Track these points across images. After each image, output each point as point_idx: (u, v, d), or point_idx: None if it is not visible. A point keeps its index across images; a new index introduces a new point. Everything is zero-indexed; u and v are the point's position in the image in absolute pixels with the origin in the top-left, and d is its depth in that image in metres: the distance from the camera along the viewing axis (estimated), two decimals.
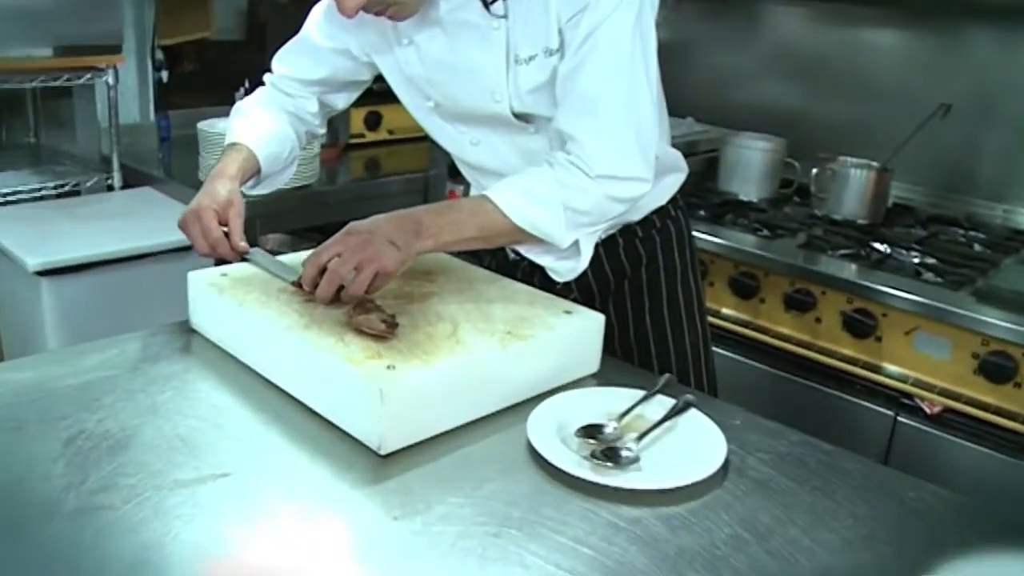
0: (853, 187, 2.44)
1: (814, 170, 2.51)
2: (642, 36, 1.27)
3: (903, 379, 2.11)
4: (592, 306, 1.34)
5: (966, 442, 2.05)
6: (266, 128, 1.50)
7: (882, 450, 2.15)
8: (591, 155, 1.27)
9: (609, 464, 1.04)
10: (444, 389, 1.08)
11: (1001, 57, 2.54)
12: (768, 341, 2.26)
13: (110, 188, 2.61)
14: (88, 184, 2.57)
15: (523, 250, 1.35)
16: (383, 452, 1.04)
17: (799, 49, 2.91)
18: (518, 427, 1.12)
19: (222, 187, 1.39)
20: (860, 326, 2.11)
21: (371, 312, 1.15)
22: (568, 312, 1.27)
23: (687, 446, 1.11)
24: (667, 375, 1.25)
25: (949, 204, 2.68)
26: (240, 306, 1.22)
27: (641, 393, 1.20)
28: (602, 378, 1.29)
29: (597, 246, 1.40)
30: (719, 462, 1.07)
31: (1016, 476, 1.99)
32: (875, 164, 2.47)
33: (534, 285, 1.40)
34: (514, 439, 1.11)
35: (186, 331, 1.35)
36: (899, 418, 2.13)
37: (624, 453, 1.06)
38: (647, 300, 1.53)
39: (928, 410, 2.10)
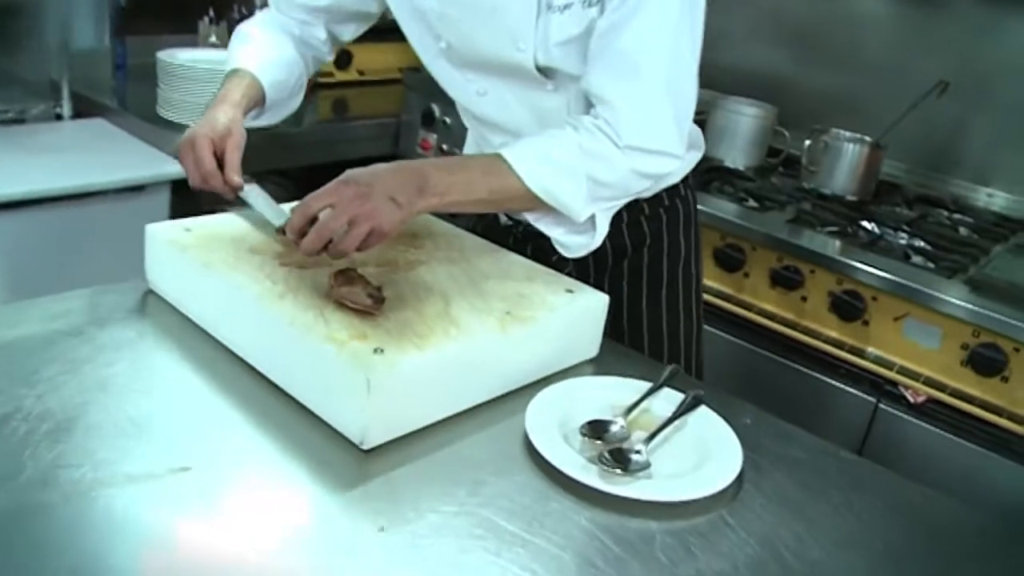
0: (845, 162, 2.35)
1: (807, 142, 2.41)
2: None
3: (888, 365, 2.05)
4: (586, 283, 1.23)
5: (947, 434, 2.00)
6: (270, 53, 1.37)
7: (860, 436, 2.09)
8: (623, 122, 1.15)
9: (618, 470, 0.93)
10: (437, 377, 0.96)
11: (997, 37, 2.46)
12: (750, 317, 2.18)
13: (59, 117, 2.42)
14: (34, 112, 2.39)
15: (532, 218, 1.23)
16: (366, 447, 0.91)
17: (792, 14, 2.80)
18: (514, 418, 1.01)
19: (222, 115, 1.26)
20: (849, 309, 2.04)
21: (355, 283, 1.02)
22: (570, 291, 1.15)
23: (699, 450, 1.01)
24: (673, 365, 1.15)
25: (933, 184, 2.61)
26: (204, 268, 1.07)
27: (646, 385, 1.10)
28: (600, 364, 1.18)
29: None
30: (735, 471, 0.97)
31: (995, 471, 1.95)
32: (868, 139, 2.37)
33: (525, 255, 1.28)
34: (511, 432, 0.99)
35: (141, 289, 1.20)
36: (880, 405, 2.07)
37: (634, 457, 0.96)
38: (646, 283, 1.41)
39: (912, 399, 2.04)
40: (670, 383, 1.11)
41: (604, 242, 1.35)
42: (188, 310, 1.13)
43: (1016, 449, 1.93)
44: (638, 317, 1.42)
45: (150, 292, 1.20)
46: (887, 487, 1.04)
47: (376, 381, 0.88)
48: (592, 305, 1.15)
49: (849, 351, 2.07)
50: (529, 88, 1.26)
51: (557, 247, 1.25)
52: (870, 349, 2.06)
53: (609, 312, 1.38)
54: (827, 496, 0.99)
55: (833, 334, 2.09)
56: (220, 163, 1.23)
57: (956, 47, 2.50)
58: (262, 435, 0.93)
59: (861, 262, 2.00)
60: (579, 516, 0.89)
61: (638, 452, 0.96)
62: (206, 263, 1.08)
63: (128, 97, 2.53)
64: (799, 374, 2.13)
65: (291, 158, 2.38)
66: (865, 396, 2.08)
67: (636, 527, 0.88)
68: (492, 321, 1.03)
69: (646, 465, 0.95)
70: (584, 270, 1.37)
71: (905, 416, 2.04)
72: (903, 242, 2.17)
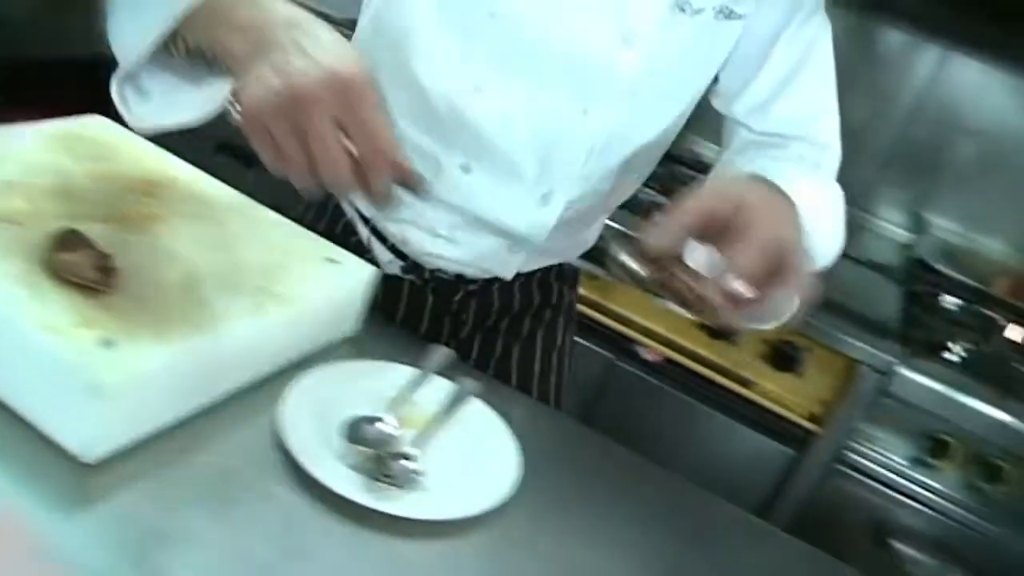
0: None
1: None
2: None
3: (627, 323, 2.08)
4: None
5: (679, 393, 2.08)
6: None
7: (594, 393, 2.12)
8: (835, 166, 1.10)
9: (386, 483, 0.83)
10: (179, 372, 0.80)
11: None
12: None
13: None
14: None
15: None
16: (89, 460, 0.75)
17: None
18: (266, 413, 0.86)
19: (334, 36, 0.77)
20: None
21: (79, 249, 0.83)
22: (332, 260, 1.02)
23: (475, 453, 0.93)
24: (443, 349, 1.05)
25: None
26: None
27: (412, 371, 1.00)
28: (359, 343, 1.06)
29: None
30: (514, 479, 0.90)
31: (719, 430, 2.05)
32: None
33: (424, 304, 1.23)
34: (262, 432, 0.85)
35: None
36: (617, 362, 2.11)
37: (404, 465, 0.86)
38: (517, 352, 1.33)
39: (650, 358, 2.09)
40: (439, 370, 1.02)
41: (491, 293, 1.26)
42: None
43: (739, 410, 2.04)
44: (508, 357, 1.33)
45: None
46: (670, 490, 1.03)
47: (104, 384, 0.71)
48: (357, 276, 1.02)
49: (590, 306, 2.08)
50: (561, 103, 1.04)
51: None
52: (610, 305, 2.09)
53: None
54: (605, 502, 0.96)
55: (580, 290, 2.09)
56: None
57: None
58: None
59: (609, 219, 2.00)
60: (344, 538, 0.78)
61: (408, 458, 0.87)
62: None
63: None
64: None
65: None
66: (602, 351, 2.11)
67: (409, 549, 0.80)
68: (245, 299, 0.88)
69: (418, 474, 0.86)
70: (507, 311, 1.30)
71: (640, 373, 2.10)
72: (649, 198, 2.20)
